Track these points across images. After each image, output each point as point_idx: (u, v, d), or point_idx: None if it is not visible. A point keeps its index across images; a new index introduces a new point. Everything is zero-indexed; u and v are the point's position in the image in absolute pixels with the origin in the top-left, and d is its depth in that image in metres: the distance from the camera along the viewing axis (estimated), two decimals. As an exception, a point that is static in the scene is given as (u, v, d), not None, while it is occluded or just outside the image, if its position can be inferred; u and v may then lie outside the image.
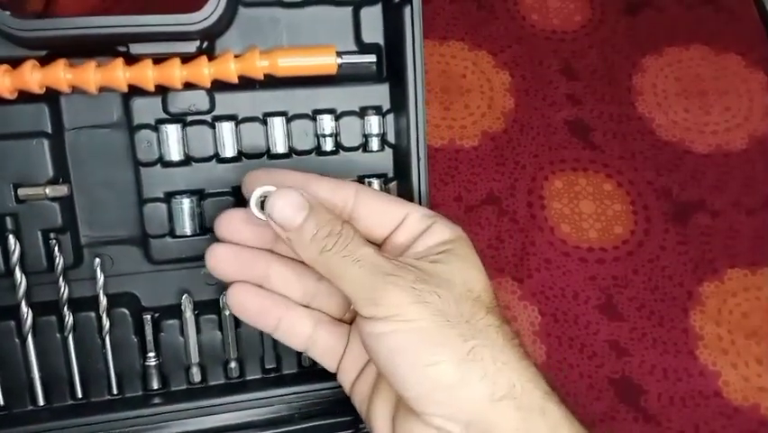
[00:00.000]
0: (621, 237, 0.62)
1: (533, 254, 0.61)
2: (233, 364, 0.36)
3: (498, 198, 0.64)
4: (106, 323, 0.34)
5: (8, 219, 0.32)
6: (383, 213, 0.30)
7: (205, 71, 0.31)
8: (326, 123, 0.35)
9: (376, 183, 0.36)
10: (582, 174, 0.65)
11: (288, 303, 0.32)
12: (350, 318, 0.33)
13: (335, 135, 0.35)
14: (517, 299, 0.59)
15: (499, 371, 0.26)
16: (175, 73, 0.31)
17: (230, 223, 0.31)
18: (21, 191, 0.32)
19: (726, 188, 0.66)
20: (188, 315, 0.35)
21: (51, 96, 0.32)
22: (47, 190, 0.32)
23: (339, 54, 0.33)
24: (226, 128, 0.34)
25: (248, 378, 0.36)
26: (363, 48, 0.35)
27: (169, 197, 0.34)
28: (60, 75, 0.30)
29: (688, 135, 0.69)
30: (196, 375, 0.36)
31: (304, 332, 0.32)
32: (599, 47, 0.73)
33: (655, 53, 0.73)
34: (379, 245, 0.31)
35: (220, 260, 0.31)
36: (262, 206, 0.28)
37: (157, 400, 0.35)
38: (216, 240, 0.32)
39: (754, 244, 0.63)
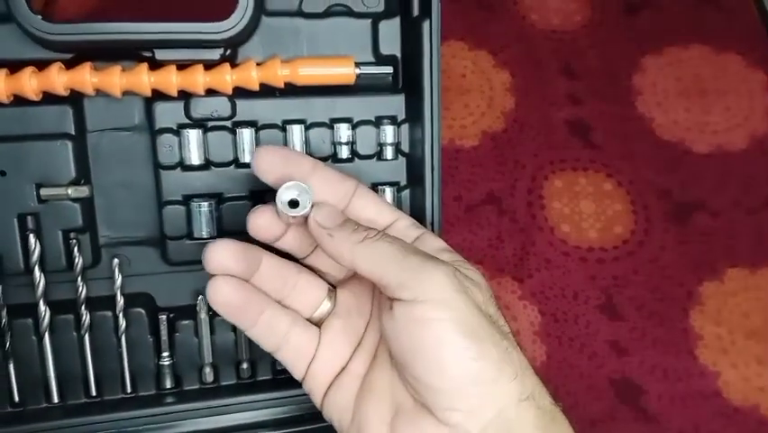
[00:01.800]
0: (621, 237, 0.62)
1: (533, 254, 0.61)
2: (244, 365, 0.37)
3: (498, 198, 0.64)
4: (122, 322, 0.35)
5: (29, 219, 0.32)
6: (376, 212, 0.31)
7: (227, 78, 0.32)
8: (343, 131, 0.35)
9: (389, 191, 0.37)
10: (582, 174, 0.65)
11: (269, 299, 0.31)
12: (318, 319, 0.32)
13: (351, 144, 0.36)
14: (517, 299, 0.59)
15: (524, 373, 0.26)
16: (198, 79, 0.32)
17: (263, 218, 0.30)
18: (43, 191, 0.32)
19: (727, 187, 0.66)
20: (203, 316, 0.36)
21: (75, 99, 0.32)
22: (69, 191, 0.33)
23: (357, 65, 0.34)
24: (246, 134, 0.34)
25: (259, 378, 0.37)
26: (380, 59, 0.36)
27: (187, 200, 0.34)
28: (86, 78, 0.31)
29: (688, 135, 0.69)
30: (208, 375, 0.36)
31: (280, 330, 0.31)
32: (599, 47, 0.73)
33: (655, 53, 0.73)
34: None
35: (220, 252, 0.30)
36: (290, 204, 0.29)
37: (170, 400, 0.35)
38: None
39: (755, 243, 0.63)
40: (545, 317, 0.58)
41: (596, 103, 0.69)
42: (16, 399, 0.34)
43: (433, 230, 0.36)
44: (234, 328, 0.36)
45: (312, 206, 0.29)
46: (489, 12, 0.75)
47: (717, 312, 0.59)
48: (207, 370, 0.36)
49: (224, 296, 0.29)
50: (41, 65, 0.31)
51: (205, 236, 0.34)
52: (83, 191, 0.33)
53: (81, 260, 0.33)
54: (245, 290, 0.30)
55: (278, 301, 0.31)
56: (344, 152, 0.36)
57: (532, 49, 0.73)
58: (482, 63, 0.71)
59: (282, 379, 0.37)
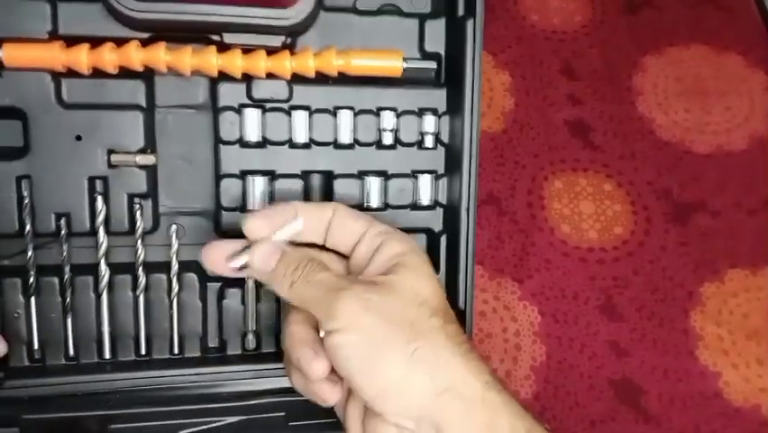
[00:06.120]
0: (621, 237, 0.62)
1: (533, 254, 0.61)
2: None
3: (498, 198, 0.63)
4: (175, 286, 0.37)
5: (98, 182, 0.35)
6: (348, 230, 0.33)
7: (287, 64, 0.35)
8: (388, 119, 0.38)
9: (428, 178, 0.39)
10: (582, 174, 0.65)
11: None
12: None
13: (395, 131, 0.39)
14: (517, 299, 0.59)
15: (441, 368, 0.29)
16: (261, 64, 0.35)
17: (215, 255, 0.33)
18: (113, 157, 0.35)
19: (727, 188, 0.65)
20: (251, 285, 0.38)
21: (148, 75, 0.35)
22: (137, 159, 0.35)
23: (405, 59, 0.37)
24: (301, 117, 0.37)
25: None
26: (425, 55, 0.39)
27: (243, 174, 0.37)
28: (160, 56, 0.33)
29: (688, 135, 0.69)
30: (251, 342, 0.38)
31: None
32: (600, 47, 0.73)
33: (656, 53, 0.73)
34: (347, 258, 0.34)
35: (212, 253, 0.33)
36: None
37: (213, 362, 0.38)
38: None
39: (755, 244, 0.62)
40: (545, 318, 0.58)
41: (596, 103, 0.69)
42: (71, 352, 0.36)
43: (468, 216, 0.38)
44: (278, 299, 0.38)
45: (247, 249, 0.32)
46: (489, 12, 0.74)
47: (718, 313, 0.59)
48: (251, 337, 0.38)
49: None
50: (119, 43, 0.33)
51: (257, 208, 0.37)
52: (150, 159, 0.35)
53: (142, 224, 0.36)
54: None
55: None
56: (388, 139, 0.38)
57: (532, 49, 0.72)
58: (482, 64, 0.71)
59: None
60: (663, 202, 0.64)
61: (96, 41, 0.33)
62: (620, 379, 0.55)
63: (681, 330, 0.58)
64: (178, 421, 0.36)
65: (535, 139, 0.67)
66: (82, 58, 0.33)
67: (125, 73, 0.34)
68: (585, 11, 0.75)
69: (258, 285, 0.38)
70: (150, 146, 0.36)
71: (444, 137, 0.39)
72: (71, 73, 0.34)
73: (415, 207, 0.39)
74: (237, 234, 0.35)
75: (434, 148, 0.39)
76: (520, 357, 0.56)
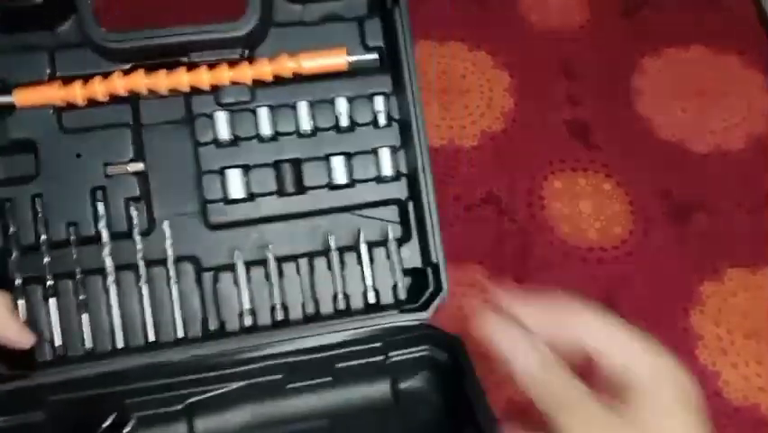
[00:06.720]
0: (621, 237, 0.62)
1: (532, 255, 0.61)
2: (278, 307, 0.43)
3: (498, 198, 0.64)
4: (174, 276, 0.41)
5: (98, 192, 0.41)
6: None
7: (247, 72, 0.42)
8: (341, 104, 0.44)
9: (387, 151, 0.44)
10: (582, 174, 0.65)
11: None
12: None
13: (350, 113, 0.44)
14: (517, 298, 0.59)
15: None
16: (224, 74, 0.42)
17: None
18: (109, 169, 0.41)
19: (726, 187, 0.66)
20: (240, 266, 0.42)
21: (133, 98, 0.42)
22: (128, 167, 0.42)
23: (349, 54, 0.43)
24: (264, 114, 0.43)
25: (291, 318, 0.43)
26: (368, 49, 0.44)
27: (222, 170, 0.42)
28: (141, 81, 0.41)
29: (687, 135, 0.69)
30: (247, 319, 0.42)
31: None
32: (599, 47, 0.73)
33: (655, 53, 0.73)
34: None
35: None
36: None
37: (215, 338, 0.42)
38: None
39: (754, 243, 0.63)
40: (545, 317, 0.58)
41: (595, 103, 0.70)
42: (89, 344, 0.41)
43: (425, 179, 0.42)
44: (268, 277, 0.43)
45: None
46: (489, 12, 0.75)
47: (717, 312, 0.59)
48: (247, 316, 0.42)
49: None
50: (106, 75, 0.41)
51: (238, 198, 0.42)
52: (139, 166, 0.42)
53: (139, 224, 0.41)
54: None
55: None
56: (344, 121, 0.44)
57: (531, 49, 0.73)
58: (482, 64, 0.71)
59: (338, 311, 0.43)
60: (663, 202, 0.64)
61: (86, 77, 0.40)
62: (620, 378, 0.56)
63: (681, 329, 0.58)
64: (186, 391, 0.40)
65: (535, 139, 0.67)
66: (77, 92, 0.40)
67: (113, 99, 0.41)
68: (584, 11, 0.76)
69: (248, 266, 0.42)
70: (139, 156, 0.42)
71: (395, 114, 0.44)
72: (69, 105, 0.41)
73: (380, 179, 0.44)
74: (223, 224, 0.42)
75: (389, 125, 0.44)
76: (520, 357, 0.56)
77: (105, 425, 0.39)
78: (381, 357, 0.42)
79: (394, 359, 0.42)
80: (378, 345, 0.41)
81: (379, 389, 0.43)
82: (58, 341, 0.40)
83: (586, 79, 0.71)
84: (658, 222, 0.63)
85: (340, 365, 0.41)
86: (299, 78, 0.43)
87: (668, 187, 0.65)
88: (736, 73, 0.73)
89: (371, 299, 0.43)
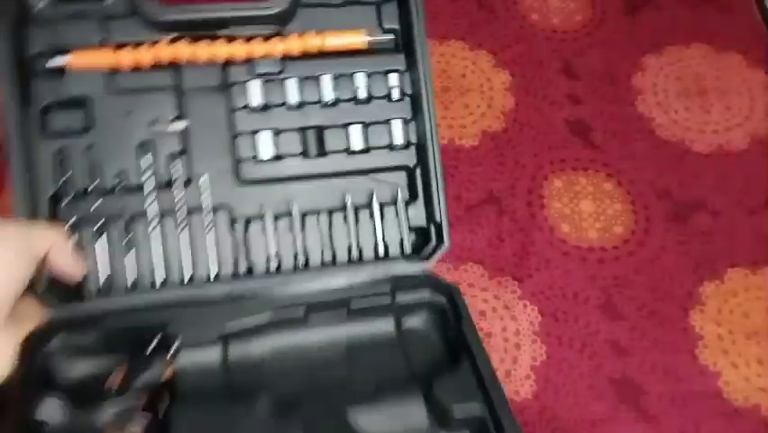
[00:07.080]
0: (621, 237, 0.62)
1: (533, 254, 0.61)
2: (300, 254, 0.48)
3: (498, 198, 0.64)
4: (210, 224, 0.46)
5: (144, 146, 0.46)
6: None
7: (278, 46, 0.47)
8: (361, 79, 0.49)
9: (399, 122, 0.49)
10: (582, 174, 0.65)
11: None
12: None
13: (368, 87, 0.49)
14: (517, 298, 0.59)
15: None
16: (258, 48, 0.47)
17: None
18: (156, 126, 0.46)
19: (727, 187, 0.65)
20: (269, 218, 0.47)
21: (176, 65, 0.47)
22: (171, 126, 0.46)
23: (369, 35, 0.48)
24: (292, 84, 0.48)
25: (311, 263, 0.49)
26: (385, 31, 0.49)
27: (253, 132, 0.47)
28: (183, 50, 0.46)
29: (688, 135, 0.69)
30: (273, 263, 0.48)
31: None
32: (600, 46, 0.73)
33: (656, 52, 0.73)
34: None
35: None
36: None
37: (244, 279, 0.47)
38: None
39: (755, 243, 0.62)
40: (545, 317, 0.58)
41: (596, 103, 0.69)
42: (131, 281, 0.45)
43: (433, 148, 0.47)
44: (292, 228, 0.48)
45: None
46: (489, 12, 0.75)
47: (718, 312, 0.59)
48: (273, 259, 0.47)
49: None
50: (152, 43, 0.46)
51: (267, 158, 0.47)
52: (182, 125, 0.46)
53: (181, 176, 0.46)
54: None
55: None
56: (362, 93, 0.49)
57: (532, 49, 0.73)
58: (482, 63, 0.71)
59: (352, 260, 0.49)
60: (663, 201, 0.64)
61: (135, 44, 0.46)
62: (620, 378, 0.55)
63: (681, 329, 0.58)
64: (220, 322, 0.44)
65: (535, 138, 0.67)
66: (126, 57, 0.45)
67: (157, 66, 0.46)
68: (585, 10, 0.75)
69: (275, 218, 0.48)
70: (180, 117, 0.47)
71: (407, 90, 0.49)
72: (116, 69, 0.46)
73: (391, 147, 0.49)
74: (254, 180, 0.47)
75: (401, 99, 0.49)
76: (520, 357, 0.56)
77: (153, 344, 0.43)
78: (388, 299, 0.46)
79: (399, 301, 0.47)
80: (385, 288, 0.46)
81: (385, 326, 0.47)
82: (103, 276, 0.45)
83: (586, 79, 0.71)
84: (659, 222, 0.63)
85: (353, 305, 0.46)
86: (324, 54, 0.48)
87: (669, 187, 0.65)
88: (738, 72, 0.73)
89: (381, 251, 0.48)
